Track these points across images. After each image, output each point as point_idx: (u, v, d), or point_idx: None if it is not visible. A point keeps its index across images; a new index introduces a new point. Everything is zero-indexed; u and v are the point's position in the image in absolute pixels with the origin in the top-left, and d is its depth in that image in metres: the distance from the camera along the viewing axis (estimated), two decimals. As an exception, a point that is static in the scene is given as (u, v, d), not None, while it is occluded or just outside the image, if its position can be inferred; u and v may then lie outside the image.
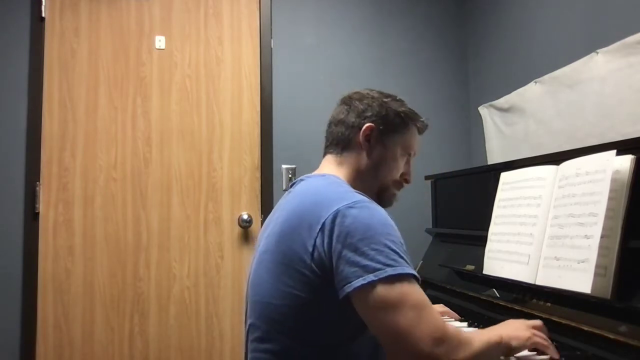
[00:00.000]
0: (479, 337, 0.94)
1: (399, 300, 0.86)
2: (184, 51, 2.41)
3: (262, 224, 2.38)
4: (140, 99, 2.36)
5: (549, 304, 1.22)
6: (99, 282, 2.27)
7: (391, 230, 0.93)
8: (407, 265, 0.90)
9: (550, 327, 1.17)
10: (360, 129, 1.11)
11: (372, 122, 1.11)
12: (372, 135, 1.11)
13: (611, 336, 1.00)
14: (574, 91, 1.84)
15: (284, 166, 2.46)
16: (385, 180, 1.14)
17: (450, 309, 1.46)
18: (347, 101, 1.16)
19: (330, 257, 0.90)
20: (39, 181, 2.24)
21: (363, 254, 0.88)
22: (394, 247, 0.90)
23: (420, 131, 1.19)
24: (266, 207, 2.41)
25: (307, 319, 0.94)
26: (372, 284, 0.86)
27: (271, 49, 2.48)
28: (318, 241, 0.92)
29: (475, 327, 1.40)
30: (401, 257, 0.90)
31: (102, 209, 2.29)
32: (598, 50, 1.71)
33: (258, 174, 2.44)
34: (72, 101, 2.31)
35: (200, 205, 2.38)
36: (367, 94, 1.16)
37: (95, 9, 2.36)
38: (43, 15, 2.29)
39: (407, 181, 1.18)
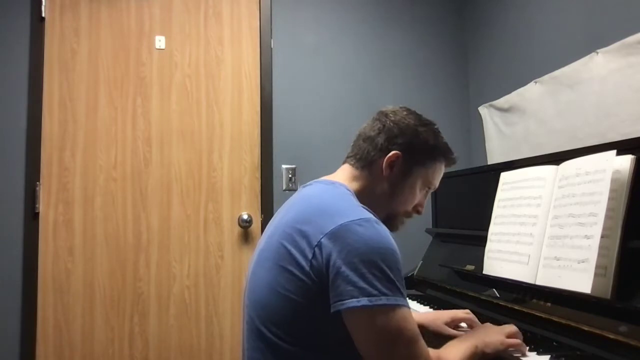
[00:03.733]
0: (457, 355, 0.98)
1: (388, 335, 0.87)
2: (184, 51, 2.41)
3: (262, 224, 2.40)
4: (140, 99, 2.36)
5: (549, 304, 1.22)
6: (99, 282, 2.27)
7: (392, 255, 0.91)
8: (401, 295, 0.90)
9: (550, 327, 1.17)
10: (387, 153, 1.07)
11: (400, 149, 1.08)
12: (396, 163, 1.08)
13: (611, 336, 1.00)
14: (574, 91, 1.84)
15: (284, 166, 2.46)
16: (397, 209, 1.12)
17: (451, 309, 1.45)
18: (382, 119, 1.11)
19: (328, 269, 0.90)
20: (39, 181, 2.24)
21: (361, 276, 0.87)
22: (392, 275, 0.89)
23: (447, 166, 1.16)
24: (266, 207, 2.41)
25: (303, 322, 0.94)
26: (364, 309, 0.86)
27: (271, 49, 2.48)
28: (317, 251, 0.91)
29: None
30: (397, 286, 0.89)
31: (102, 209, 2.29)
32: (598, 50, 1.71)
33: (258, 174, 2.44)
34: (72, 101, 2.31)
35: (200, 205, 2.38)
36: (404, 117, 1.11)
37: (95, 9, 2.36)
38: (43, 15, 2.29)
39: (419, 212, 1.16)
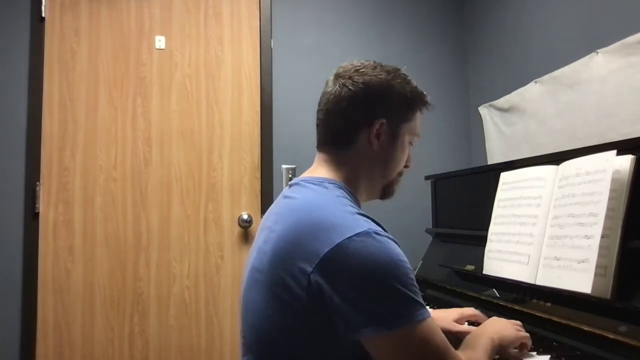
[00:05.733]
0: (481, 354, 0.94)
1: (418, 355, 0.81)
2: (184, 51, 2.41)
3: (262, 224, 2.39)
4: (140, 99, 2.36)
5: (549, 304, 1.22)
6: (99, 282, 2.27)
7: (399, 267, 0.82)
8: (419, 306, 0.82)
9: (550, 327, 1.17)
10: (367, 125, 0.97)
11: (382, 115, 0.97)
12: (382, 131, 0.97)
13: (611, 336, 1.00)
14: (574, 91, 1.84)
15: (284, 166, 2.46)
16: (392, 176, 1.04)
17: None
18: (348, 84, 0.98)
19: (332, 297, 0.81)
20: (39, 181, 2.24)
21: (371, 299, 0.80)
22: (405, 289, 0.81)
23: (427, 111, 1.06)
24: (266, 207, 2.39)
25: (298, 347, 0.87)
26: (384, 336, 0.80)
27: (271, 49, 2.48)
28: (313, 277, 0.82)
29: (476, 326, 1.40)
30: (412, 299, 0.81)
31: (102, 209, 2.29)
32: (598, 50, 1.71)
33: (258, 174, 2.44)
34: (72, 101, 2.31)
35: (200, 205, 2.38)
36: (374, 77, 0.98)
37: (95, 9, 2.36)
38: (43, 15, 2.29)
39: (407, 167, 1.08)
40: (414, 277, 0.84)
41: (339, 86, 0.99)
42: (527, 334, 1.07)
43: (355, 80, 0.98)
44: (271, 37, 2.48)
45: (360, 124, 0.98)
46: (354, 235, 0.82)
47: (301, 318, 0.85)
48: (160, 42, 2.39)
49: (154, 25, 2.40)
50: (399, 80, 1.00)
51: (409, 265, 0.84)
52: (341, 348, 0.85)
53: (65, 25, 2.32)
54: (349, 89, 0.97)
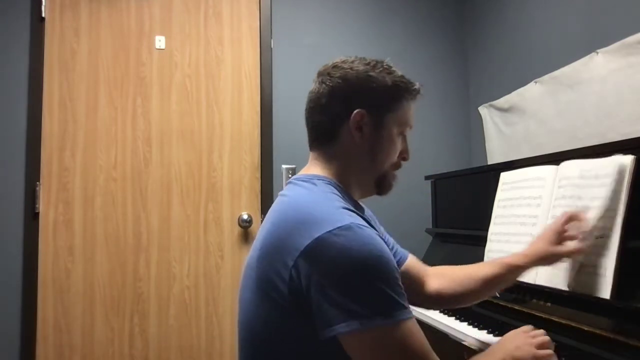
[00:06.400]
0: None
1: (392, 357, 0.79)
2: (184, 51, 2.41)
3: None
4: (140, 99, 2.36)
5: (549, 304, 1.22)
6: (99, 282, 2.27)
7: (379, 263, 0.80)
8: (399, 305, 0.79)
9: (550, 327, 1.17)
10: (348, 118, 0.96)
11: (360, 106, 0.96)
12: (363, 122, 0.96)
13: (611, 336, 1.00)
14: (574, 91, 1.84)
15: (284, 166, 2.46)
16: (383, 168, 1.01)
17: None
18: (326, 80, 0.99)
19: (310, 291, 0.80)
20: (39, 181, 2.24)
21: (349, 295, 0.78)
22: (384, 286, 0.78)
23: (414, 99, 1.03)
24: (266, 207, 2.41)
25: (288, 345, 0.87)
26: (359, 333, 0.77)
27: (271, 49, 2.48)
28: (294, 272, 0.81)
29: (475, 326, 1.40)
30: (392, 297, 0.79)
31: (102, 209, 2.29)
32: (598, 50, 1.71)
33: (258, 174, 2.44)
34: (72, 101, 2.31)
35: (200, 205, 2.38)
36: (350, 69, 0.98)
37: (95, 9, 2.36)
38: (43, 15, 2.29)
39: (405, 159, 1.05)
40: (396, 275, 0.81)
41: (319, 83, 1.00)
42: (550, 352, 0.95)
43: (332, 75, 0.98)
44: (271, 37, 2.48)
45: (341, 117, 0.97)
46: (335, 229, 0.81)
47: (287, 315, 0.84)
48: (160, 42, 2.39)
49: (154, 25, 2.40)
50: (378, 70, 0.99)
51: (392, 263, 0.82)
52: (330, 345, 0.82)
53: (65, 25, 2.32)
54: (327, 85, 0.98)
